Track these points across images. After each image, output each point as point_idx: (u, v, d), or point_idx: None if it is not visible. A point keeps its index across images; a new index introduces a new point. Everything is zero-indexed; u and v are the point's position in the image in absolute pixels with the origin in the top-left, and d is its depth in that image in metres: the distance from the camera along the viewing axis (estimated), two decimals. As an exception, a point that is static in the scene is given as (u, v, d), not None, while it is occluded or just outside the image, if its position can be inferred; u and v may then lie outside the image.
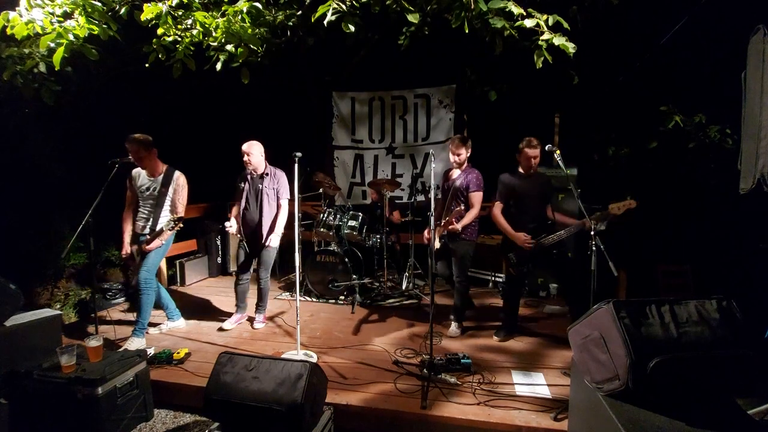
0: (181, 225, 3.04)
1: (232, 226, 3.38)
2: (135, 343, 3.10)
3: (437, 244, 3.18)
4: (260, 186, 3.35)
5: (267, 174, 3.39)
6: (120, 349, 3.02)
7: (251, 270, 3.58)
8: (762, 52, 2.36)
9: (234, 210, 3.47)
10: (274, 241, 3.35)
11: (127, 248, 3.23)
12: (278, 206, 3.43)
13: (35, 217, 4.29)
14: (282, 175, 3.44)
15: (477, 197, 3.21)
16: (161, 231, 3.06)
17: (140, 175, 3.20)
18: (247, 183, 3.40)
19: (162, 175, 3.16)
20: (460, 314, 3.44)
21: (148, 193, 3.16)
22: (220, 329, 3.49)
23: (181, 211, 3.18)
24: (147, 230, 3.17)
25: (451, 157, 3.26)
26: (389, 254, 4.70)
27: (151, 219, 3.16)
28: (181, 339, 3.36)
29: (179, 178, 3.19)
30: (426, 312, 3.69)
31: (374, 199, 4.94)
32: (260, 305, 3.60)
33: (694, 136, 4.33)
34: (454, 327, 3.41)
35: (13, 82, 3.16)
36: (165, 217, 3.16)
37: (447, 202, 3.32)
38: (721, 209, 4.04)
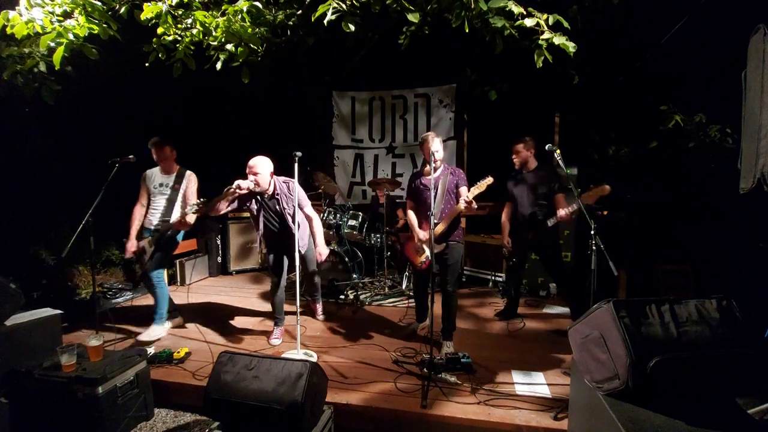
0: (205, 208, 3.06)
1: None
2: (156, 331, 3.30)
3: (435, 248, 2.91)
4: (278, 207, 3.07)
5: (278, 194, 3.07)
6: (140, 336, 3.27)
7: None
8: (762, 51, 2.35)
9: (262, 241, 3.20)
10: (323, 251, 3.22)
11: (133, 242, 3.26)
12: (308, 217, 3.21)
13: (35, 216, 4.29)
14: (294, 185, 3.06)
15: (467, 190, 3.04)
16: (185, 215, 3.15)
17: (154, 173, 3.37)
18: (258, 204, 3.08)
19: (175, 174, 3.35)
20: (452, 330, 3.08)
21: (160, 188, 3.31)
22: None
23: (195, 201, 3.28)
24: (159, 225, 3.27)
25: (436, 155, 2.88)
26: (389, 254, 4.71)
27: (164, 214, 3.29)
28: (181, 338, 3.36)
29: (191, 176, 3.39)
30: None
31: (381, 201, 4.92)
32: (316, 296, 3.78)
33: (694, 136, 4.33)
34: (447, 347, 3.03)
35: (13, 81, 3.16)
36: (177, 213, 3.28)
37: (437, 202, 2.90)
38: (721, 209, 4.04)
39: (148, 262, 3.24)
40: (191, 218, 3.20)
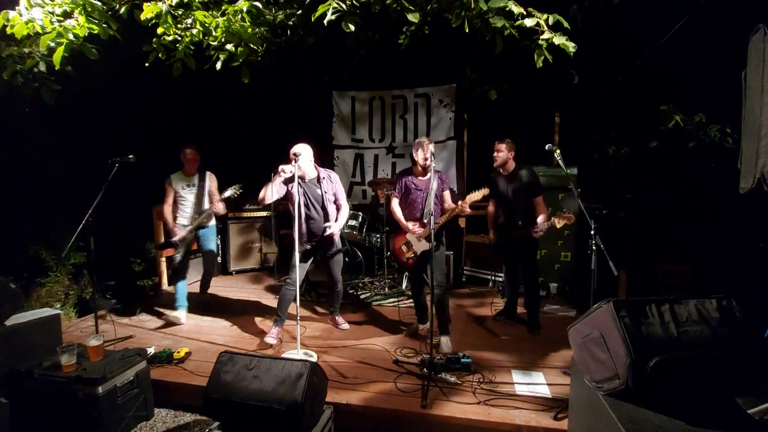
0: (240, 190, 3.67)
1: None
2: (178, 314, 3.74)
3: (426, 246, 3.04)
4: (319, 191, 3.22)
5: (323, 177, 3.24)
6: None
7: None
8: (762, 51, 2.35)
9: (297, 223, 3.13)
10: (336, 228, 3.25)
11: (178, 228, 3.65)
12: (339, 206, 3.33)
13: (35, 216, 4.29)
14: (336, 176, 3.36)
15: (450, 195, 3.24)
16: (218, 200, 3.71)
17: (178, 176, 3.73)
18: (296, 188, 3.12)
19: (197, 175, 3.78)
20: (448, 325, 3.15)
21: (189, 188, 3.73)
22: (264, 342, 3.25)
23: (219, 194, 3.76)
24: (191, 218, 3.71)
25: (426, 161, 3.04)
26: (389, 253, 4.69)
27: (195, 209, 3.73)
28: (181, 338, 3.36)
29: (211, 174, 3.85)
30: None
31: (381, 201, 4.92)
32: (336, 307, 3.63)
33: (694, 136, 4.32)
34: (445, 341, 3.09)
35: (13, 81, 3.16)
36: (207, 204, 3.76)
37: (424, 202, 3.09)
38: (721, 209, 4.04)
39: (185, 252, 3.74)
40: (222, 205, 3.75)
